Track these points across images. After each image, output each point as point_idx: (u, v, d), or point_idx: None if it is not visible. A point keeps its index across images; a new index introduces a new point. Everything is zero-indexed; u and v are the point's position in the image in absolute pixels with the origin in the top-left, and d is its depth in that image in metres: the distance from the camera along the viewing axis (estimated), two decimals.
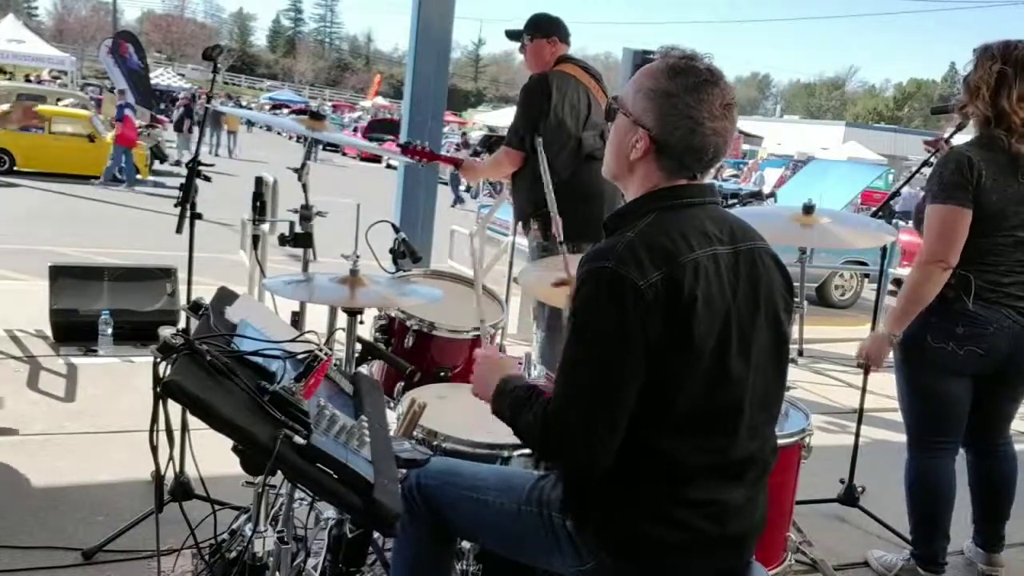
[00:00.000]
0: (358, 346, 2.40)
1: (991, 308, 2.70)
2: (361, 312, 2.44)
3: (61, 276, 4.89)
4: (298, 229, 2.78)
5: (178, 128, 20.18)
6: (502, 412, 1.72)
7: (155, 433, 1.51)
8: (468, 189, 20.47)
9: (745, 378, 1.63)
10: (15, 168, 14.61)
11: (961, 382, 2.84)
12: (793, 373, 1.80)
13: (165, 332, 1.48)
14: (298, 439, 1.43)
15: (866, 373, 3.52)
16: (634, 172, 1.70)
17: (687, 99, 1.60)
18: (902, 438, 3.13)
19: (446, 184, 17.57)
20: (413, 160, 3.97)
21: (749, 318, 1.64)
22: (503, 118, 32.72)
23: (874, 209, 3.53)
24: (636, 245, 1.56)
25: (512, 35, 4.07)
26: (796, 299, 1.84)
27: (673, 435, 1.58)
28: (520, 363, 2.88)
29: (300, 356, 1.67)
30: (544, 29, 3.97)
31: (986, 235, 2.66)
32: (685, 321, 1.53)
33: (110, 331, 4.76)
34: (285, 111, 31.94)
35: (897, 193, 4.05)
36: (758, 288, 1.67)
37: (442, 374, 2.78)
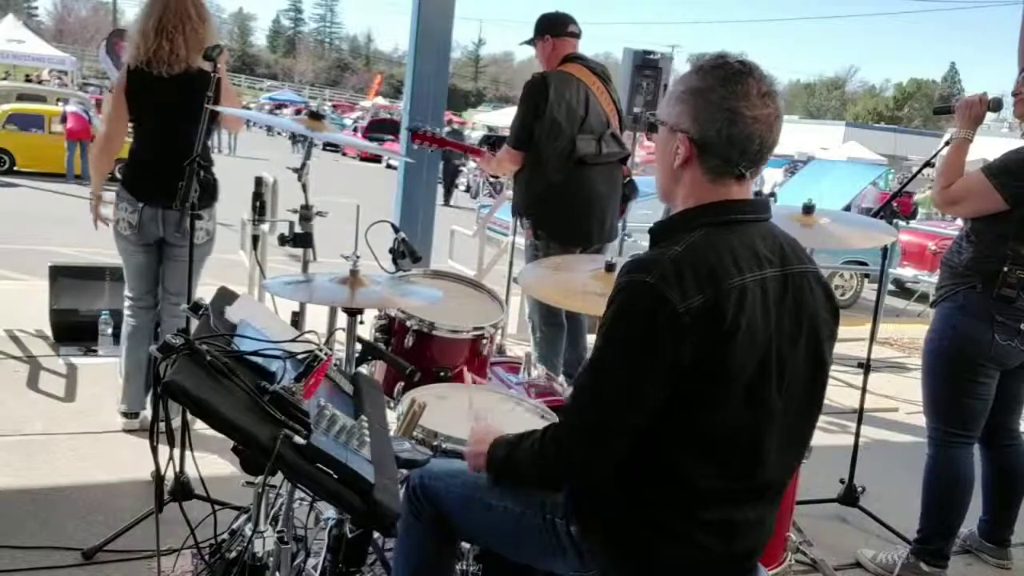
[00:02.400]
0: (358, 346, 2.40)
1: None
2: (361, 312, 2.44)
3: (61, 276, 4.89)
4: (298, 229, 2.78)
5: None
6: (497, 462, 1.71)
7: (155, 433, 1.51)
8: (468, 189, 20.50)
9: (779, 408, 1.58)
10: (15, 168, 14.63)
11: (998, 377, 2.94)
12: (824, 396, 1.75)
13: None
14: (298, 439, 1.43)
15: (866, 373, 3.53)
16: (680, 182, 1.63)
17: (721, 91, 1.55)
18: (902, 438, 3.15)
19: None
20: (423, 146, 3.99)
21: (790, 346, 1.58)
22: (503, 118, 32.69)
23: (874, 209, 3.54)
24: (681, 262, 1.50)
25: (528, 42, 4.12)
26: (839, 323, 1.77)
27: (696, 458, 1.55)
28: (520, 363, 2.88)
29: (300, 356, 1.67)
30: (539, 29, 3.98)
31: None
32: (722, 349, 1.49)
33: (110, 331, 4.75)
34: (285, 111, 31.94)
35: (899, 193, 4.04)
36: (802, 315, 1.61)
37: (442, 374, 2.78)
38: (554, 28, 3.95)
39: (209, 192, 3.40)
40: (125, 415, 3.66)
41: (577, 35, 3.98)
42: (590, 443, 1.54)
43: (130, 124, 3.50)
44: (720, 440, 1.55)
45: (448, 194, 17.92)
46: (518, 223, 4.09)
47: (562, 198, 3.82)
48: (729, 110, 1.55)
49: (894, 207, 3.41)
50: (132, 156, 3.53)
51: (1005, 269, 2.79)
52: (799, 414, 1.65)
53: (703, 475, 1.56)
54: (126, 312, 3.63)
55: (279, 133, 30.79)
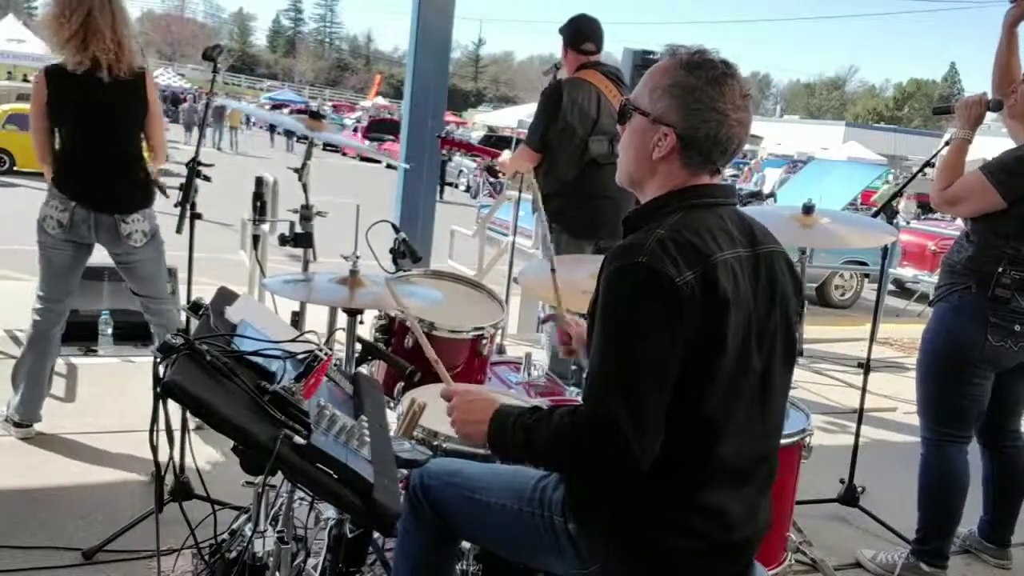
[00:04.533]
0: (358, 346, 2.39)
1: None
2: (361, 312, 2.44)
3: None
4: (298, 229, 2.78)
5: None
6: (508, 440, 1.63)
7: (155, 433, 1.51)
8: (468, 189, 20.53)
9: (761, 381, 1.63)
10: (15, 168, 14.63)
11: (993, 377, 2.93)
12: (793, 373, 1.80)
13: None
14: (298, 439, 1.43)
15: (866, 373, 3.53)
16: (656, 172, 1.67)
17: (710, 92, 1.59)
18: (902, 438, 3.15)
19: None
20: (449, 150, 4.14)
21: (766, 320, 1.63)
22: (503, 118, 32.70)
23: (874, 209, 3.54)
24: (666, 241, 1.53)
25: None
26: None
27: (690, 438, 1.56)
28: (520, 363, 2.88)
29: (300, 356, 1.67)
30: (565, 36, 4.14)
31: None
32: (719, 322, 1.52)
33: (110, 331, 4.76)
34: (285, 111, 32.03)
35: (899, 193, 4.05)
36: (775, 292, 1.66)
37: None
38: (573, 41, 4.12)
39: (144, 193, 3.37)
40: (18, 424, 3.47)
41: (592, 52, 4.10)
42: (637, 435, 1.46)
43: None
44: (715, 416, 1.56)
45: (440, 190, 17.94)
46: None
47: (574, 195, 3.98)
48: (717, 111, 1.59)
49: (894, 207, 3.42)
50: (62, 153, 3.35)
51: (1000, 270, 2.79)
52: (778, 388, 1.70)
53: (701, 454, 1.57)
54: (37, 316, 3.42)
55: (280, 133, 30.76)
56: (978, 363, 2.88)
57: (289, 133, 28.07)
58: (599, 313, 1.56)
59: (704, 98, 1.59)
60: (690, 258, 1.52)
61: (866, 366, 3.52)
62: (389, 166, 22.06)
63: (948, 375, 2.94)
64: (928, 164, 3.22)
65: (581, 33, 4.10)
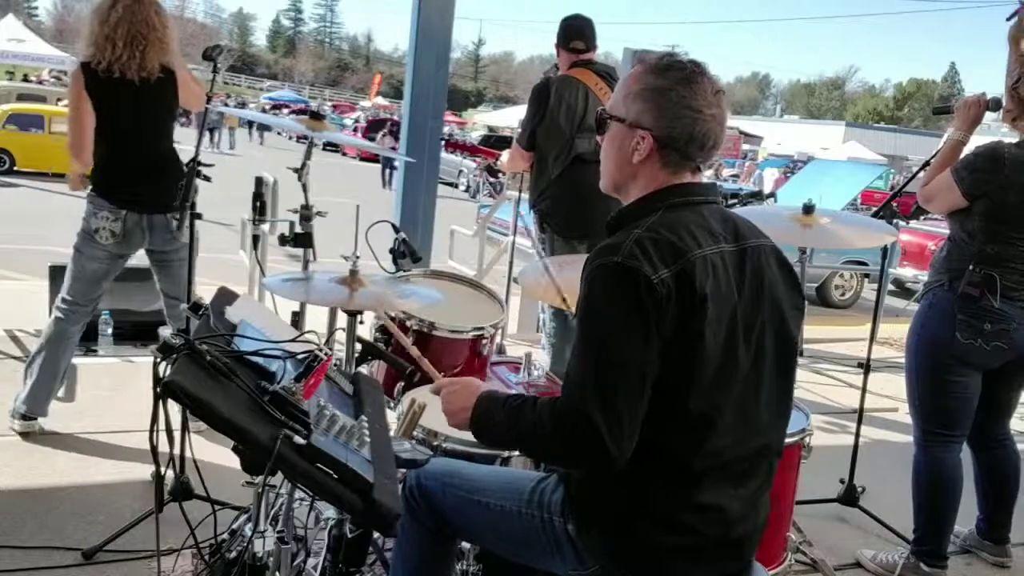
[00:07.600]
0: (358, 346, 2.39)
1: (1015, 305, 2.80)
2: (361, 312, 2.44)
3: (61, 276, 4.87)
4: (298, 229, 2.78)
5: None
6: (493, 425, 1.65)
7: (155, 433, 1.51)
8: (468, 188, 20.54)
9: (751, 376, 1.63)
10: (15, 168, 14.63)
11: (977, 377, 2.92)
12: (795, 366, 1.79)
13: (165, 332, 1.48)
14: (298, 439, 1.43)
15: (866, 373, 3.53)
16: (637, 176, 1.70)
17: (682, 91, 1.62)
18: (902, 438, 3.15)
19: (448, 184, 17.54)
20: (454, 152, 4.19)
21: (754, 316, 1.64)
22: (503, 118, 32.74)
23: (875, 209, 3.54)
24: (644, 240, 1.56)
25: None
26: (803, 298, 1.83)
27: (681, 435, 1.58)
28: (520, 363, 2.88)
29: (300, 356, 1.67)
30: (557, 34, 4.15)
31: (1012, 237, 2.78)
32: (697, 318, 1.53)
33: (110, 331, 4.74)
34: (285, 111, 32.02)
35: (899, 193, 4.04)
36: (763, 286, 1.67)
37: (442, 374, 2.78)
38: (563, 40, 4.13)
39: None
40: (24, 417, 3.48)
41: (582, 50, 4.09)
42: (611, 430, 1.48)
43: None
44: (703, 412, 1.57)
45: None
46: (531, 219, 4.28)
47: (562, 194, 3.99)
48: (690, 108, 1.62)
49: (894, 207, 3.42)
50: (102, 162, 3.37)
51: (970, 268, 2.80)
52: (773, 384, 1.69)
53: (692, 451, 1.58)
54: (60, 314, 3.43)
55: (279, 134, 30.76)
56: (950, 360, 2.87)
57: (262, 127, 29.24)
58: (578, 311, 1.59)
59: (676, 97, 1.62)
60: (666, 256, 1.54)
61: (866, 366, 3.51)
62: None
63: (927, 373, 2.95)
64: (927, 164, 3.21)
65: (570, 31, 4.11)
